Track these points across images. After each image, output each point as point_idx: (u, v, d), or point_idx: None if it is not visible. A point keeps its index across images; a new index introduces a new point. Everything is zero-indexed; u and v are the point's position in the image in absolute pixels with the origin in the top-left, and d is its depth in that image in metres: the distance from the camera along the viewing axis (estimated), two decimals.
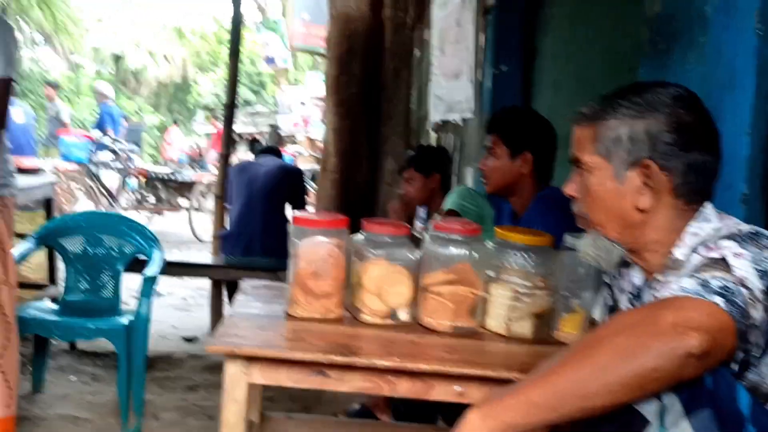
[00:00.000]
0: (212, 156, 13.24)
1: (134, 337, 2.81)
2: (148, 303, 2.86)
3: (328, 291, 1.56)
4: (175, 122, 15.24)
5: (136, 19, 24.20)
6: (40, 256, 3.85)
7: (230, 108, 3.88)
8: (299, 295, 1.57)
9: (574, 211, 1.28)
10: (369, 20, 3.73)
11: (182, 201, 8.22)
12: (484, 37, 3.49)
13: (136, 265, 3.21)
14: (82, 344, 3.63)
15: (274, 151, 3.86)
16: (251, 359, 1.36)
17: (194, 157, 14.34)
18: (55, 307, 3.14)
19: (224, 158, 3.92)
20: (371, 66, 3.74)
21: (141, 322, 2.83)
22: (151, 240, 3.19)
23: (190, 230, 7.41)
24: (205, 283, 5.18)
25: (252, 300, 1.72)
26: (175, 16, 24.98)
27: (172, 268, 3.16)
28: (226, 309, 4.05)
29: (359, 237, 1.61)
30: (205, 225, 7.91)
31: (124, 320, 2.87)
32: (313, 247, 1.57)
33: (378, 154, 3.75)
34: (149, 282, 2.91)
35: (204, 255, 4.40)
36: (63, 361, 3.50)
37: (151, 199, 8.24)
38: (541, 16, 3.27)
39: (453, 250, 1.51)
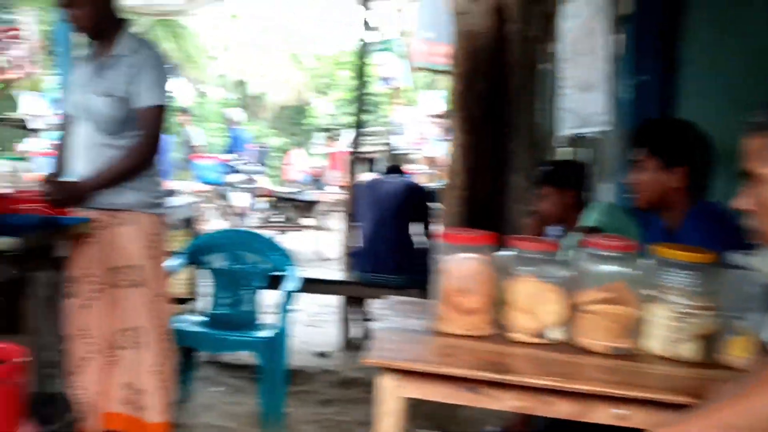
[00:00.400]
0: (331, 176, 13.63)
1: (275, 351, 2.94)
2: (287, 318, 2.99)
3: (476, 307, 1.57)
4: (296, 144, 15.80)
5: (258, 46, 25.45)
6: (184, 271, 4.09)
7: (357, 129, 3.98)
8: (447, 311, 1.58)
9: (747, 226, 1.21)
10: (494, 35, 3.72)
11: (305, 220, 8.50)
12: (619, 47, 3.39)
13: (272, 282, 3.38)
14: (223, 356, 3.83)
15: (400, 170, 3.92)
16: (405, 373, 1.39)
17: (315, 177, 14.83)
18: (201, 320, 3.33)
19: (353, 178, 4.03)
20: (496, 81, 3.72)
21: (281, 336, 2.96)
22: (287, 257, 3.33)
23: (313, 248, 7.64)
24: (331, 300, 5.34)
25: (397, 315, 1.75)
26: (294, 42, 26.07)
27: (306, 285, 3.27)
28: (366, 324, 4.15)
29: (507, 253, 1.60)
30: (328, 243, 8.16)
31: (266, 334, 3.01)
32: (461, 264, 1.58)
33: (504, 170, 3.72)
34: (289, 297, 3.03)
35: (332, 272, 4.52)
36: (205, 372, 3.69)
37: (277, 218, 8.58)
38: (681, 23, 3.12)
39: (608, 268, 1.47)
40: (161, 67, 2.44)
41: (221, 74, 25.60)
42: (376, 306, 1.96)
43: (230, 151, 8.87)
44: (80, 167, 2.44)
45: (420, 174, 8.58)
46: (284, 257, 3.33)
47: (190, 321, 3.25)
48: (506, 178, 3.70)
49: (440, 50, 6.32)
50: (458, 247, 1.59)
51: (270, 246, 3.38)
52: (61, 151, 2.64)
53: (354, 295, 3.85)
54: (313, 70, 26.21)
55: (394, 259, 3.56)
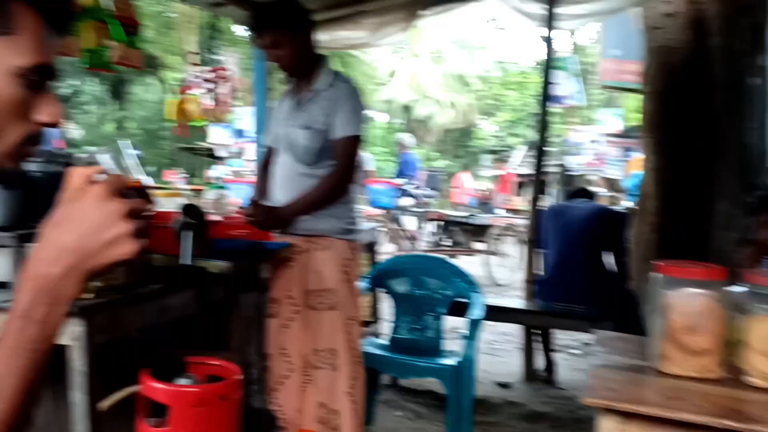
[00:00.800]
0: (500, 199, 13.46)
1: (462, 379, 2.90)
2: (474, 346, 2.94)
3: (705, 347, 1.43)
4: (462, 167, 15.83)
5: (424, 70, 25.94)
6: (367, 295, 4.20)
7: (540, 151, 3.87)
8: (672, 350, 1.45)
9: None
10: (693, 50, 3.45)
11: (477, 244, 8.43)
12: None
13: (455, 308, 3.35)
14: (403, 381, 3.86)
15: (587, 193, 3.74)
16: (628, 416, 1.29)
17: (483, 200, 14.74)
18: (385, 343, 3.38)
19: (535, 202, 3.91)
20: (696, 99, 3.43)
21: (468, 364, 2.92)
22: (472, 284, 3.29)
23: (486, 273, 7.53)
24: (509, 328, 5.21)
25: (611, 352, 1.64)
26: (461, 64, 26.25)
27: (488, 312, 3.20)
28: (551, 356, 4.00)
29: (740, 289, 1.45)
30: (501, 268, 8.03)
31: (452, 361, 2.98)
32: (687, 299, 1.45)
33: (707, 196, 3.41)
34: (475, 325, 2.99)
35: (512, 299, 4.40)
36: (387, 395, 3.73)
37: (448, 242, 8.60)
38: None
39: None
40: (357, 100, 2.53)
41: (388, 99, 26.48)
42: (590, 341, 1.85)
43: (401, 175, 9.06)
44: (280, 195, 2.59)
45: (600, 197, 8.21)
46: (469, 284, 3.29)
47: (374, 344, 3.31)
48: (709, 204, 3.39)
49: (629, 68, 6.03)
50: (682, 281, 1.46)
51: (454, 272, 3.36)
52: (261, 180, 2.81)
53: (539, 324, 3.72)
54: (480, 92, 26.30)
55: (584, 289, 3.38)
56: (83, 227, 0.77)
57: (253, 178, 9.34)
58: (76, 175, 0.81)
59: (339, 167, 2.51)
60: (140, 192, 0.85)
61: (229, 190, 3.64)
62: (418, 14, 3.77)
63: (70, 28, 0.91)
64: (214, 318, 2.80)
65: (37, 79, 0.82)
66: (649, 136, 3.64)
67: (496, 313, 3.63)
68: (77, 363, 1.77)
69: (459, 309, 3.36)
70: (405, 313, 3.41)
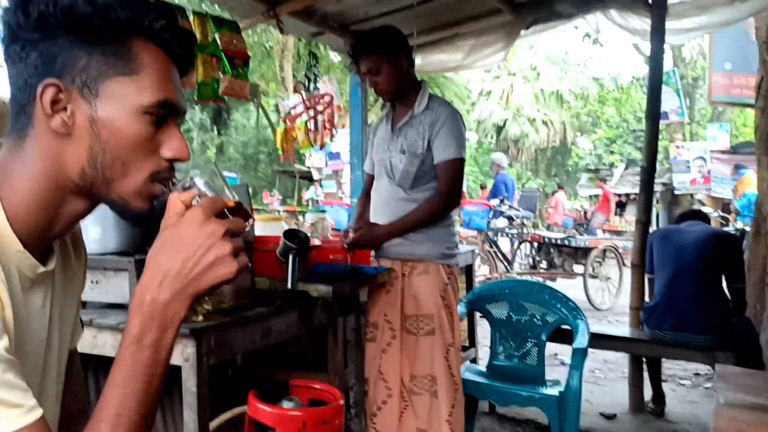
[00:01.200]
0: (598, 219, 13.04)
1: (566, 410, 2.79)
2: (579, 375, 2.83)
3: None
4: (560, 186, 15.47)
5: (517, 88, 25.63)
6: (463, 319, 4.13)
7: (649, 171, 3.70)
8: None
9: None
10: None
11: (576, 267, 8.17)
12: None
13: (557, 335, 3.24)
14: (501, 408, 3.76)
15: (700, 215, 3.54)
16: None
17: (579, 220, 14.33)
18: (482, 370, 3.31)
19: (643, 224, 3.74)
20: None
21: (573, 394, 2.80)
22: (575, 310, 3.18)
23: (585, 297, 7.28)
24: (612, 355, 5.00)
25: (734, 390, 1.52)
26: (555, 81, 25.76)
27: (593, 339, 3.07)
28: (661, 387, 3.81)
29: None
30: (600, 292, 7.73)
31: (555, 391, 2.88)
32: None
33: None
34: (580, 354, 2.88)
35: (618, 327, 4.22)
36: (484, 422, 3.65)
37: (544, 264, 8.38)
38: None
39: None
40: (457, 123, 2.51)
41: (479, 119, 26.34)
42: (703, 371, 1.74)
43: (495, 196, 8.94)
44: (379, 220, 2.60)
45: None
46: (571, 310, 3.18)
47: (472, 370, 3.24)
48: None
49: (741, 81, 5.72)
50: None
51: (556, 297, 3.25)
52: (362, 206, 2.84)
53: (649, 354, 3.53)
54: (575, 109, 25.70)
55: (698, 317, 3.18)
56: (185, 252, 0.79)
57: (347, 201, 9.52)
58: (174, 201, 0.83)
59: (441, 189, 2.50)
60: (238, 211, 0.87)
61: (326, 213, 3.69)
62: (519, 34, 3.72)
63: (191, 64, 0.94)
64: (314, 341, 2.84)
65: (162, 116, 0.85)
66: (764, 153, 3.43)
67: (600, 341, 3.49)
68: (189, 383, 1.82)
69: (561, 335, 3.26)
70: (504, 339, 3.34)
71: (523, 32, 3.77)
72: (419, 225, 2.50)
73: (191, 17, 2.78)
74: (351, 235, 2.54)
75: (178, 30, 0.87)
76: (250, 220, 0.94)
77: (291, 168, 17.12)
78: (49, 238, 0.89)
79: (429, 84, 2.64)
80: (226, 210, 0.84)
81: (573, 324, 3.12)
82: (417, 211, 2.49)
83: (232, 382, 2.95)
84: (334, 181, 15.09)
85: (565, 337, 3.26)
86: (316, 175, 14.83)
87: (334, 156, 13.03)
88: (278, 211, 15.30)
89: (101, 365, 2.30)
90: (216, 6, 3.45)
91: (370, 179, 2.84)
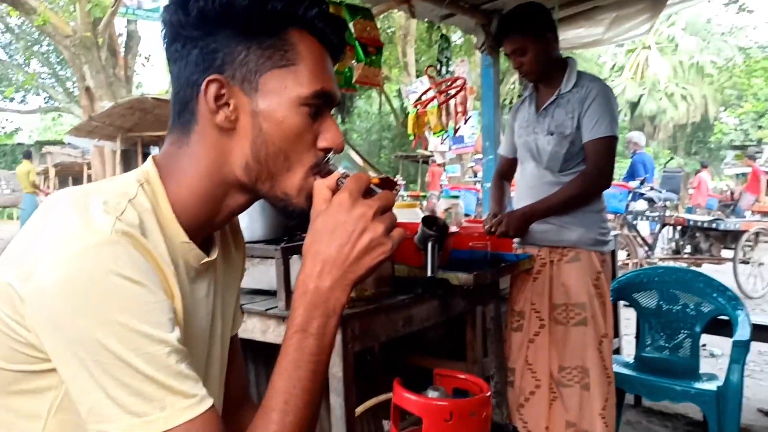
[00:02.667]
0: (747, 200, 12.06)
1: (725, 405, 2.58)
2: (740, 370, 2.61)
3: None
4: (703, 165, 14.45)
5: (653, 62, 24.15)
6: None
7: None
8: None
9: None
10: None
11: (724, 252, 7.59)
12: None
13: (713, 326, 3.01)
14: (647, 401, 3.56)
15: None
16: None
17: (725, 201, 13.32)
18: (630, 361, 3.14)
19: None
20: None
21: (733, 390, 2.59)
22: (733, 299, 2.93)
23: (734, 284, 6.75)
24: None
25: None
26: (695, 53, 24.02)
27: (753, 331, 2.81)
28: None
29: None
30: (752, 279, 7.14)
31: (713, 386, 2.67)
32: None
33: None
34: (741, 347, 2.65)
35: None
36: (630, 415, 3.47)
37: (688, 249, 7.85)
38: None
39: None
40: (608, 98, 2.37)
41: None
42: None
43: (632, 177, 8.46)
44: (527, 204, 2.49)
45: None
46: (730, 299, 2.93)
47: (619, 362, 3.08)
48: None
49: None
50: None
51: (712, 286, 3.01)
52: (498, 191, 2.75)
53: None
54: (719, 82, 23.75)
55: None
56: (339, 238, 0.78)
57: (472, 185, 9.40)
58: (320, 187, 0.82)
59: (590, 169, 2.37)
60: (383, 184, 0.84)
61: (459, 198, 3.63)
62: (665, 4, 3.45)
63: (343, 51, 0.91)
64: (451, 329, 2.81)
65: (319, 106, 0.84)
66: None
67: (756, 331, 3.19)
68: (335, 369, 1.85)
69: (716, 326, 3.02)
70: (653, 330, 3.14)
71: (670, 1, 3.49)
72: (564, 206, 2.38)
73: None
74: (493, 221, 2.47)
75: (331, 17, 0.86)
76: (397, 188, 0.92)
77: (414, 153, 17.19)
78: (211, 229, 0.91)
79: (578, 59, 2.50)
80: (371, 186, 0.82)
81: (732, 315, 2.88)
82: (562, 192, 2.37)
83: (370, 369, 2.98)
84: (458, 165, 14.96)
85: (720, 328, 3.03)
86: (439, 159, 14.76)
87: (457, 140, 12.89)
88: (402, 197, 15.42)
89: (248, 348, 2.39)
90: None
91: (506, 163, 2.77)
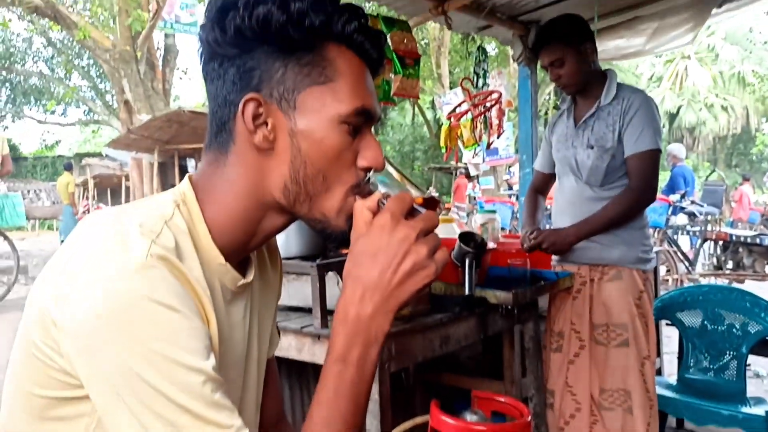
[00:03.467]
0: None
1: None
2: None
3: None
4: (745, 178, 14.10)
5: (692, 72, 23.72)
6: None
7: None
8: None
9: None
10: None
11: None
12: None
13: (761, 347, 2.89)
14: (689, 423, 3.44)
15: None
16: None
17: (767, 215, 12.97)
18: (672, 383, 3.03)
19: None
20: None
21: None
22: None
23: None
24: None
25: None
26: (736, 63, 23.51)
27: None
28: None
29: None
30: None
31: (761, 410, 2.57)
32: None
33: None
34: None
35: None
36: None
37: (730, 264, 7.63)
38: None
39: None
40: (651, 110, 2.30)
41: None
42: None
43: (672, 191, 8.26)
44: (565, 221, 2.44)
45: None
46: None
47: (662, 383, 2.97)
48: None
49: None
50: None
51: (759, 305, 2.89)
52: (532, 205, 2.69)
53: None
54: (761, 92, 23.14)
55: None
56: (381, 263, 0.74)
57: (507, 198, 9.29)
58: (360, 209, 0.79)
59: (635, 184, 2.29)
60: (425, 204, 0.80)
61: (496, 213, 3.56)
62: (710, 14, 3.36)
63: (382, 65, 0.88)
64: (489, 348, 2.74)
65: (360, 124, 0.81)
66: None
67: None
68: (371, 390, 1.81)
69: (764, 347, 2.91)
70: (697, 351, 3.03)
71: (714, 11, 3.39)
72: (609, 225, 2.31)
73: None
74: (532, 237, 2.41)
75: (370, 32, 0.82)
76: (440, 207, 0.87)
77: (447, 165, 17.12)
78: (247, 251, 0.88)
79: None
80: (414, 206, 0.78)
81: None
82: (606, 210, 2.30)
83: (405, 388, 2.93)
84: (491, 177, 14.84)
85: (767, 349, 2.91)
86: (473, 171, 14.68)
87: (492, 152, 12.80)
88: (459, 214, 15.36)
89: (283, 365, 2.36)
90: (384, 7, 3.44)
91: (542, 178, 2.71)
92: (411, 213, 0.78)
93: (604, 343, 2.32)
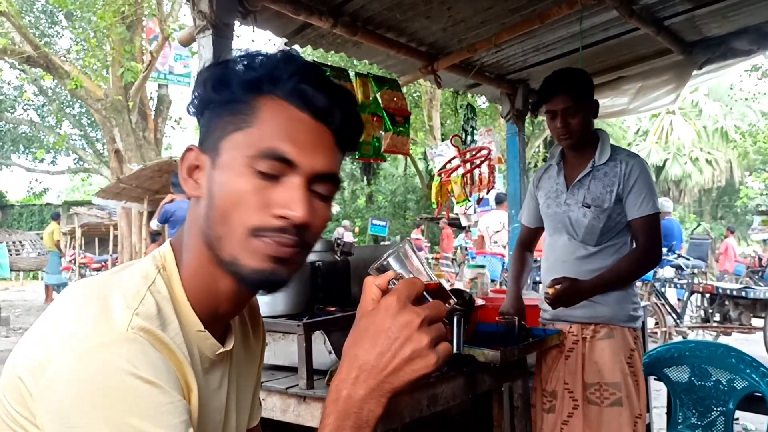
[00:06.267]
0: None
1: None
2: None
3: None
4: (730, 230, 14.24)
5: (677, 126, 24.17)
6: None
7: None
8: None
9: None
10: None
11: (755, 321, 7.37)
12: None
13: (748, 403, 2.88)
14: None
15: None
16: None
17: (753, 267, 13.06)
18: None
19: None
20: None
21: None
22: (767, 376, 2.81)
23: (766, 354, 6.51)
24: None
25: None
26: (719, 118, 24.02)
27: None
28: None
29: None
30: None
31: None
32: None
33: None
34: None
35: None
36: None
37: (717, 317, 7.64)
38: None
39: None
40: (649, 175, 2.35)
41: None
42: None
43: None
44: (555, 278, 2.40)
45: None
46: (764, 376, 2.80)
47: None
48: None
49: None
50: None
51: (744, 362, 2.89)
52: (520, 266, 2.66)
53: None
54: (743, 147, 23.62)
55: None
56: (380, 345, 0.73)
57: (498, 249, 9.20)
58: (369, 286, 0.78)
59: (645, 246, 2.32)
60: (437, 292, 0.80)
61: (485, 267, 3.57)
62: (691, 75, 3.46)
63: (340, 117, 0.83)
64: (477, 404, 2.72)
65: (276, 169, 0.78)
66: None
67: None
68: None
69: (750, 403, 2.89)
70: (685, 407, 3.01)
71: (695, 72, 3.50)
72: (621, 283, 2.33)
73: (354, 79, 2.84)
74: (548, 290, 2.36)
75: (312, 81, 0.81)
76: (451, 301, 0.86)
77: (439, 216, 17.20)
78: (223, 316, 0.87)
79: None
80: (425, 292, 0.77)
81: (767, 392, 2.75)
82: (619, 268, 2.31)
83: None
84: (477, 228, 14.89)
85: (754, 404, 2.89)
86: (464, 222, 14.74)
87: (483, 203, 12.87)
88: (427, 259, 15.34)
89: (267, 426, 2.33)
90: (375, 66, 3.52)
91: (529, 233, 2.71)
92: (420, 299, 0.76)
93: (597, 403, 2.29)
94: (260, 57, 0.81)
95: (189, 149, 0.82)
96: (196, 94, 0.82)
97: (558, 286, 2.30)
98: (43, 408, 0.68)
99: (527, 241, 2.73)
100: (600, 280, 2.31)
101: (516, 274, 2.65)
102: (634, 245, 2.37)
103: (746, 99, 21.93)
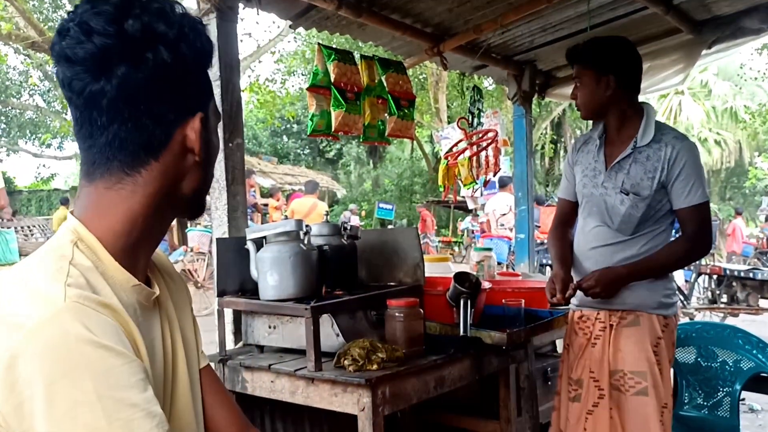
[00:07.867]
0: None
1: None
2: None
3: None
4: (738, 212, 14.17)
5: (686, 107, 23.96)
6: None
7: None
8: None
9: None
10: None
11: (762, 302, 7.35)
12: None
13: (754, 383, 2.88)
14: None
15: None
16: None
17: (761, 248, 13.03)
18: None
19: None
20: None
21: None
22: None
23: None
24: None
25: None
26: (728, 98, 23.80)
27: None
28: None
29: None
30: None
31: None
32: None
33: None
34: None
35: None
36: None
37: (724, 298, 7.63)
38: None
39: None
40: (698, 161, 2.18)
41: None
42: None
43: None
44: (586, 265, 2.30)
45: None
46: None
47: None
48: None
49: None
50: None
51: (751, 342, 2.89)
52: (562, 244, 2.43)
53: None
54: (753, 127, 23.39)
55: None
56: None
57: (505, 232, 9.12)
58: None
59: (691, 235, 2.17)
60: None
61: (491, 250, 3.57)
62: (700, 55, 3.42)
63: None
64: (484, 386, 2.73)
65: None
66: None
67: None
68: None
69: (758, 384, 2.90)
70: (691, 388, 3.02)
71: (704, 52, 3.45)
72: (662, 272, 2.21)
73: (359, 61, 2.83)
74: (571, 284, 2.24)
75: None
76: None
77: (446, 199, 17.16)
78: (143, 267, 0.90)
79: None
80: None
81: None
82: (665, 255, 2.18)
83: (400, 428, 2.91)
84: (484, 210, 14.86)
85: (761, 385, 2.89)
86: (470, 205, 14.72)
87: (490, 185, 12.82)
88: (433, 243, 15.37)
89: (277, 408, 2.35)
90: (380, 48, 3.50)
91: (569, 207, 2.46)
92: None
93: (623, 391, 2.20)
94: None
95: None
96: None
97: (589, 282, 2.19)
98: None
99: (567, 216, 2.48)
100: (644, 264, 2.18)
101: (561, 254, 2.38)
102: (672, 233, 2.23)
103: (756, 78, 21.72)
